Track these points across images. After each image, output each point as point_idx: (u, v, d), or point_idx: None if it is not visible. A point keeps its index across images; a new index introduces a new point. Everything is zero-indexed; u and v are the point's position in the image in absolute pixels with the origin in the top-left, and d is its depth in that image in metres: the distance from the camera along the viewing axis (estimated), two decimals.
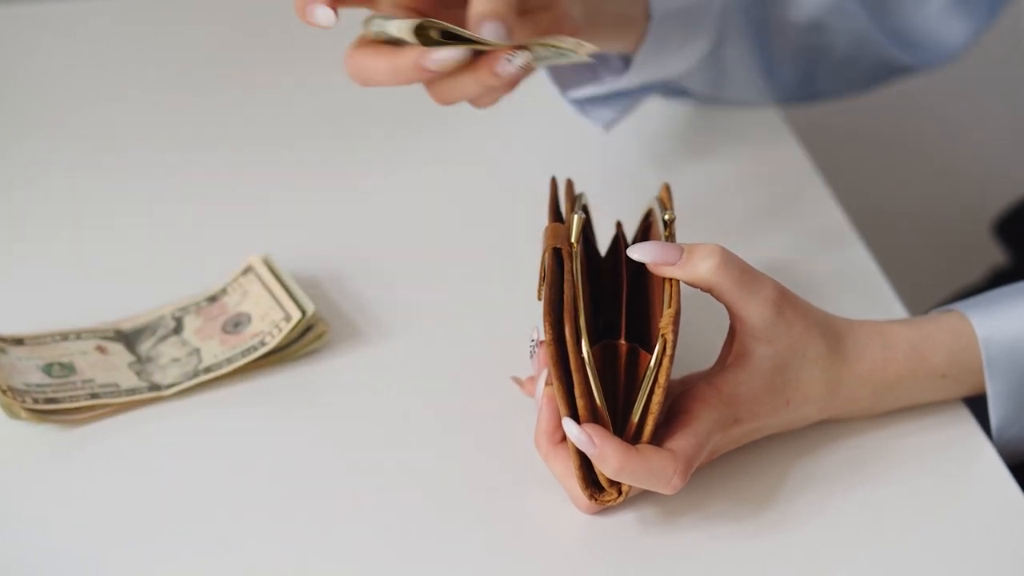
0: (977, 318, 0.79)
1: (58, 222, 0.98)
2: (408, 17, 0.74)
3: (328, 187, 1.02)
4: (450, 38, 0.72)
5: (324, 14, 0.73)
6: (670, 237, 0.76)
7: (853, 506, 0.76)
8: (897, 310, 0.89)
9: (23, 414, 0.78)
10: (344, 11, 0.75)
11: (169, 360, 0.84)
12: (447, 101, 0.76)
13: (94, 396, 0.80)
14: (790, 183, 1.02)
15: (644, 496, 0.75)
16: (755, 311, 0.74)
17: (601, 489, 0.71)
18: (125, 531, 0.74)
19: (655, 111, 1.08)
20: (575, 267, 0.72)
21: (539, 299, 0.75)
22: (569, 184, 0.81)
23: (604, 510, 0.74)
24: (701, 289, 0.74)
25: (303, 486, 0.77)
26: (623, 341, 0.73)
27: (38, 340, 0.84)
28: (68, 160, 1.05)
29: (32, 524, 0.75)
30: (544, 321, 0.70)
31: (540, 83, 0.92)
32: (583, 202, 0.78)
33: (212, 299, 0.88)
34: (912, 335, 0.78)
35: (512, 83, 0.76)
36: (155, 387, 0.82)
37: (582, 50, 0.72)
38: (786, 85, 1.04)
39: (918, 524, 0.75)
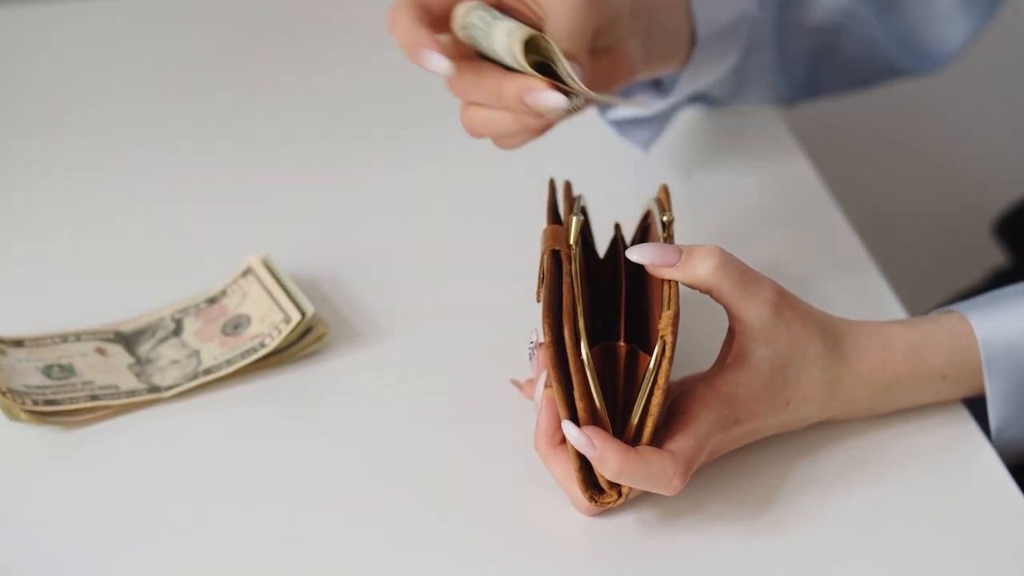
0: (976, 319, 0.79)
1: (58, 222, 0.98)
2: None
3: (328, 187, 1.02)
4: (542, 67, 0.72)
5: (440, 63, 0.72)
6: (669, 238, 0.76)
7: (853, 507, 0.76)
8: (897, 311, 0.89)
9: (23, 416, 0.78)
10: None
11: (169, 362, 0.84)
12: (476, 130, 0.76)
13: (94, 398, 0.80)
14: (790, 184, 1.02)
15: (644, 498, 0.75)
16: (754, 312, 0.74)
17: (601, 491, 0.71)
18: (125, 532, 0.74)
19: None
20: (574, 269, 0.72)
21: (538, 301, 0.75)
22: (567, 186, 0.81)
23: (604, 512, 0.74)
24: (700, 290, 0.74)
25: (303, 487, 0.77)
26: (622, 343, 0.73)
27: (38, 342, 0.84)
28: (68, 160, 1.05)
29: (32, 525, 0.75)
30: (543, 323, 0.70)
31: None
32: (581, 204, 0.78)
33: (212, 301, 0.88)
34: (911, 335, 0.78)
35: (544, 128, 0.76)
36: (155, 389, 0.82)
37: (637, 107, 0.73)
38: (794, 86, 1.04)
39: (918, 525, 0.75)
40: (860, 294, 0.91)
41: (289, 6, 1.26)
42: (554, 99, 0.71)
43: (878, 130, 1.83)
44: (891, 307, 0.90)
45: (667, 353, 0.70)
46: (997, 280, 1.21)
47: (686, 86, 0.91)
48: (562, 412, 0.70)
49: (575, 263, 0.73)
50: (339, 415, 0.82)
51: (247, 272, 0.88)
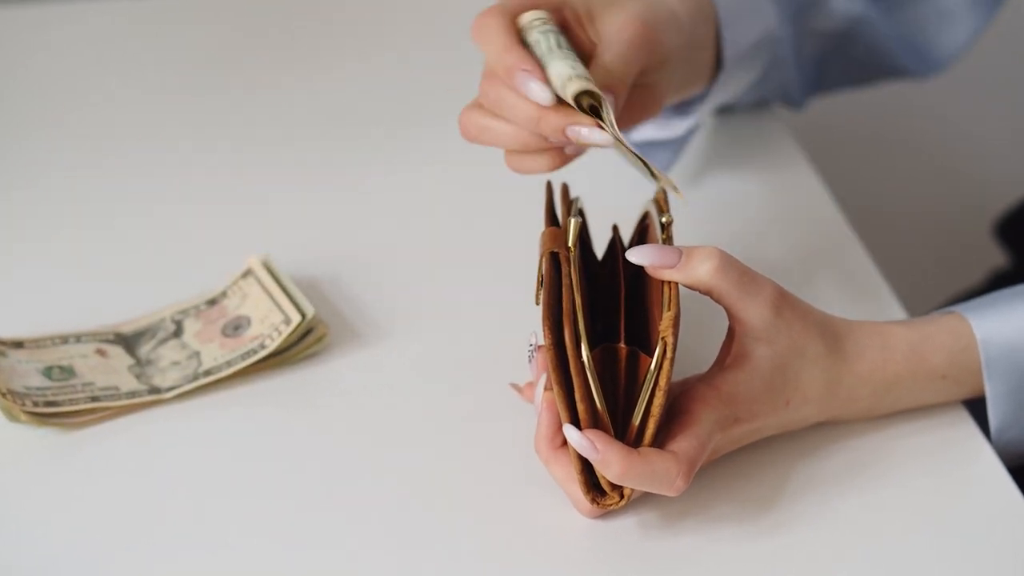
0: (976, 319, 0.79)
1: (58, 222, 0.98)
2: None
3: (328, 187, 1.02)
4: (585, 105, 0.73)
5: (540, 94, 0.73)
6: (668, 240, 0.76)
7: (853, 508, 0.76)
8: (897, 312, 0.89)
9: (23, 417, 0.78)
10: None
11: (169, 363, 0.84)
12: (471, 133, 0.77)
13: (94, 399, 0.80)
14: (789, 184, 1.02)
15: (645, 500, 0.75)
16: (754, 312, 0.74)
17: (603, 493, 0.71)
18: (125, 533, 0.74)
19: None
20: (573, 271, 0.72)
21: (537, 304, 0.75)
22: (564, 188, 0.81)
23: (605, 514, 0.74)
24: (700, 292, 0.74)
25: (303, 488, 0.77)
26: (623, 344, 0.73)
27: (38, 343, 0.84)
28: (68, 160, 1.05)
29: (32, 526, 0.75)
30: (543, 326, 0.70)
31: None
32: (579, 206, 0.78)
33: (212, 302, 0.88)
34: (911, 336, 0.78)
35: (565, 159, 0.77)
36: (155, 390, 0.82)
37: (670, 189, 0.75)
38: (802, 89, 1.04)
39: (918, 526, 0.75)
40: (860, 295, 0.91)
41: (289, 6, 1.26)
42: (599, 137, 0.73)
43: (878, 130, 1.83)
44: (891, 308, 0.90)
45: (668, 354, 0.70)
46: (997, 281, 1.21)
47: (708, 107, 0.93)
48: (563, 415, 0.69)
49: (574, 265, 0.73)
50: (339, 416, 0.82)
51: (247, 273, 0.88)
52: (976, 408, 0.81)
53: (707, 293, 0.74)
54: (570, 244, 0.74)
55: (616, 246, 0.80)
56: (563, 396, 0.69)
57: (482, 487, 0.76)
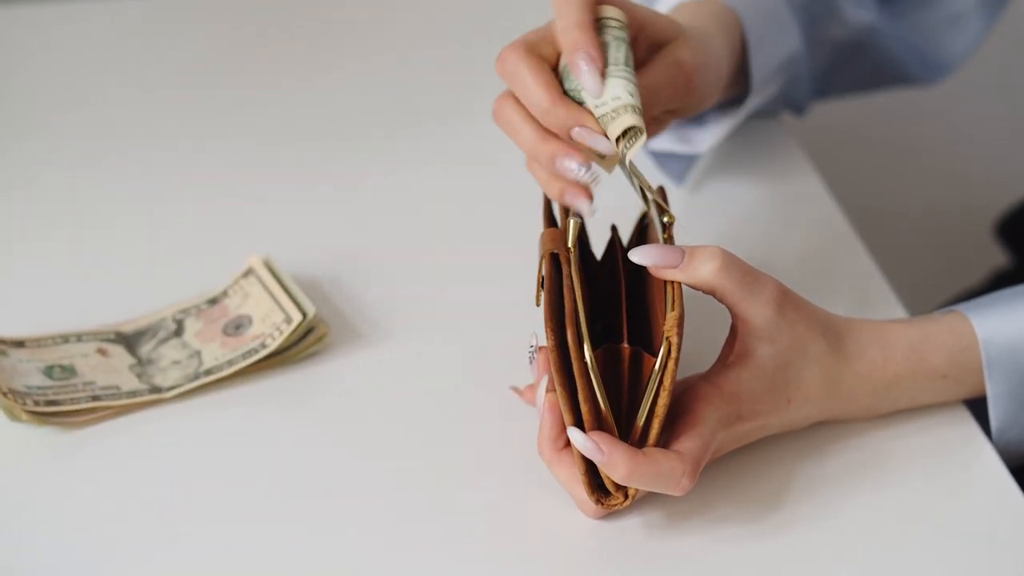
0: (977, 319, 0.79)
1: (58, 222, 0.98)
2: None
3: (328, 187, 1.02)
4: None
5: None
6: (669, 240, 0.76)
7: (855, 508, 0.76)
8: (897, 312, 0.89)
9: (24, 416, 0.78)
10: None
11: (170, 362, 0.84)
12: (500, 119, 0.76)
13: (95, 398, 0.80)
14: (790, 184, 1.02)
15: (648, 500, 0.75)
16: (757, 311, 0.74)
17: (607, 493, 0.71)
18: (126, 533, 0.74)
19: None
20: (573, 272, 0.72)
21: (537, 305, 0.75)
22: None
23: (609, 514, 0.74)
24: (703, 291, 0.74)
25: (304, 488, 0.77)
26: (625, 345, 0.72)
27: (39, 342, 0.84)
28: (68, 160, 1.05)
29: (33, 526, 0.75)
30: (545, 327, 0.70)
31: None
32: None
33: (213, 301, 0.88)
34: (912, 335, 0.78)
35: (564, 188, 0.75)
36: (156, 389, 0.82)
37: (655, 213, 0.75)
38: (809, 96, 1.04)
39: (920, 526, 0.75)
40: (861, 295, 0.91)
41: (289, 6, 1.26)
42: (604, 146, 0.72)
43: (879, 131, 1.83)
44: (892, 308, 0.90)
45: (673, 354, 0.69)
46: (998, 281, 1.21)
47: (729, 123, 0.94)
48: (566, 416, 0.69)
49: (574, 266, 0.72)
50: (340, 415, 0.82)
51: (248, 272, 0.88)
52: (977, 408, 0.81)
53: (710, 293, 0.74)
54: (570, 245, 0.74)
55: (615, 246, 0.80)
56: (566, 397, 0.69)
57: (485, 487, 0.76)
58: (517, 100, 0.74)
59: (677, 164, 0.98)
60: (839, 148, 1.77)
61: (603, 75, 0.72)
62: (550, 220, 0.78)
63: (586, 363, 0.69)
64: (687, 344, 0.74)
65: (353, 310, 0.89)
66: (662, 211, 0.78)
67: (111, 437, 0.80)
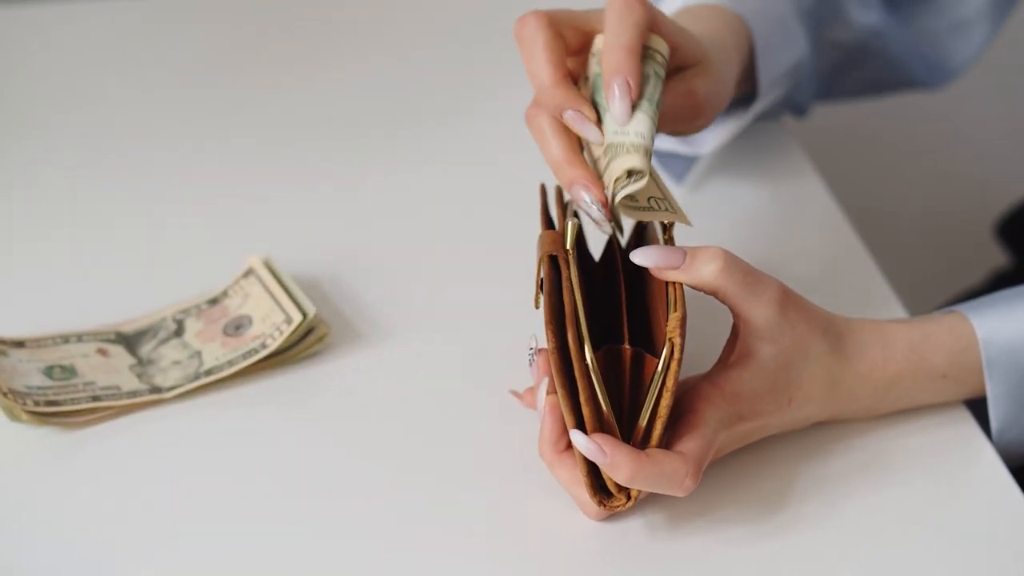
0: (977, 319, 0.79)
1: (58, 222, 0.98)
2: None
3: (328, 187, 1.02)
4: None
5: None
6: (669, 241, 0.76)
7: (857, 509, 0.76)
8: (897, 312, 0.89)
9: (24, 417, 0.78)
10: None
11: (170, 362, 0.84)
12: (530, 123, 0.76)
13: (95, 399, 0.80)
14: (791, 184, 1.02)
15: (650, 501, 0.75)
16: (759, 312, 0.74)
17: (610, 495, 0.71)
18: (126, 533, 0.74)
19: None
20: (572, 273, 0.72)
21: (536, 308, 0.75)
22: (559, 190, 0.81)
23: (611, 515, 0.74)
24: (704, 292, 0.74)
25: (304, 488, 0.77)
26: (627, 346, 0.72)
27: (39, 343, 0.84)
28: (68, 160, 1.05)
29: (33, 526, 0.75)
30: (546, 329, 0.70)
31: None
32: (574, 208, 0.78)
33: (213, 301, 0.88)
34: (912, 334, 0.78)
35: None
36: (156, 389, 0.82)
37: (679, 217, 0.74)
38: (811, 98, 1.05)
39: (921, 526, 0.75)
40: (861, 295, 0.91)
41: (289, 6, 1.26)
42: (592, 135, 0.72)
43: (879, 131, 1.83)
44: (892, 308, 0.90)
45: (676, 355, 0.69)
46: (998, 281, 1.21)
47: (733, 127, 0.94)
48: (568, 418, 0.69)
49: (573, 267, 0.72)
50: (341, 415, 0.82)
51: (248, 273, 0.88)
52: (978, 408, 0.81)
53: (712, 293, 0.74)
54: (568, 246, 0.73)
55: (613, 247, 0.80)
56: (567, 399, 0.69)
57: (485, 488, 0.76)
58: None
59: (678, 164, 0.98)
60: (839, 148, 1.77)
61: (634, 106, 0.71)
62: (548, 222, 0.78)
63: (587, 364, 0.69)
64: (688, 344, 0.74)
65: (353, 310, 0.89)
66: None
67: (111, 437, 0.80)
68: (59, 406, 0.79)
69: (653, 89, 0.72)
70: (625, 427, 0.71)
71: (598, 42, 0.74)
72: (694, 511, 0.75)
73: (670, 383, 0.69)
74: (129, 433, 0.80)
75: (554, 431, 0.72)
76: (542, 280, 0.74)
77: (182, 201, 1.01)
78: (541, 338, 0.74)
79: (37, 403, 0.79)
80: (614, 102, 0.71)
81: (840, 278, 0.93)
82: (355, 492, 0.76)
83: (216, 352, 0.84)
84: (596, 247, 0.83)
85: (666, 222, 0.76)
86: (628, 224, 0.81)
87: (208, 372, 0.83)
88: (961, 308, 0.80)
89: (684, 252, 0.73)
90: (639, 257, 0.73)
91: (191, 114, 1.11)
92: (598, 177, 0.72)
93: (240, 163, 1.05)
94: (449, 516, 0.75)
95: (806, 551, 0.73)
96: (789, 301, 0.75)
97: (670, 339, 0.69)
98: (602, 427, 0.69)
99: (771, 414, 0.75)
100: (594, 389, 0.69)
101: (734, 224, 0.98)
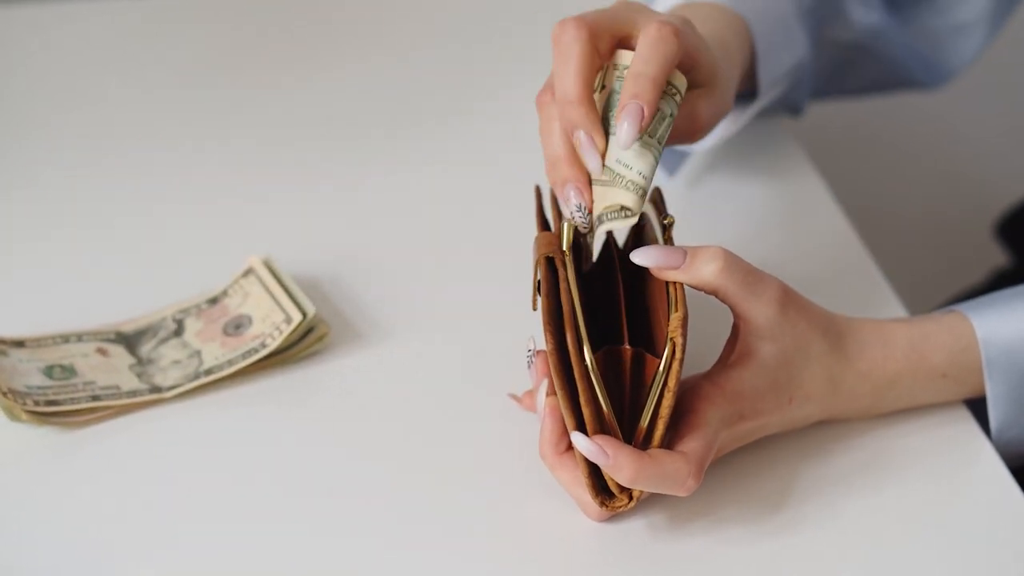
0: (977, 319, 0.79)
1: (58, 222, 0.98)
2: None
3: (328, 187, 1.02)
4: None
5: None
6: (668, 241, 0.76)
7: (857, 508, 0.76)
8: (897, 311, 0.89)
9: (24, 416, 0.78)
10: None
11: (170, 362, 0.84)
12: (541, 114, 0.76)
13: (95, 398, 0.80)
14: (791, 184, 1.02)
15: (651, 501, 0.75)
16: (760, 311, 0.74)
17: (612, 496, 0.71)
18: (126, 532, 0.74)
19: None
20: (570, 274, 0.72)
21: (535, 310, 0.75)
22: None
23: (613, 516, 0.74)
24: (705, 292, 0.74)
25: (304, 488, 0.77)
26: (627, 346, 0.72)
27: (39, 342, 0.84)
28: (68, 160, 1.05)
29: (33, 526, 0.74)
30: (545, 331, 0.70)
31: (539, 84, 0.92)
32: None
33: (213, 301, 0.88)
34: (912, 334, 0.79)
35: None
36: (156, 389, 0.82)
37: (662, 215, 0.76)
38: (808, 96, 1.05)
39: (921, 526, 0.75)
40: (861, 295, 0.91)
41: (289, 6, 1.26)
42: (592, 163, 0.72)
43: (879, 131, 1.83)
44: (892, 308, 0.90)
45: (678, 355, 0.69)
46: (998, 280, 1.21)
47: (731, 126, 0.94)
48: (568, 420, 0.69)
49: (570, 268, 0.72)
50: (341, 415, 0.82)
51: (248, 272, 0.88)
52: (977, 408, 0.81)
53: (712, 293, 0.74)
54: (565, 248, 0.73)
55: (611, 247, 0.80)
56: (567, 401, 0.69)
57: (485, 488, 0.76)
58: None
59: (670, 157, 0.98)
60: (839, 148, 1.77)
61: (641, 132, 0.71)
62: (543, 223, 0.78)
63: (587, 366, 0.68)
64: (688, 344, 0.74)
65: (353, 310, 0.89)
66: (661, 213, 0.78)
67: (111, 437, 0.80)
68: (59, 406, 0.79)
69: (664, 129, 0.72)
70: (626, 427, 0.71)
71: (624, 57, 0.74)
72: (695, 511, 0.75)
73: (672, 383, 0.69)
74: (129, 433, 0.80)
75: (554, 433, 0.72)
76: (539, 282, 0.74)
77: (182, 201, 1.01)
78: (539, 340, 0.74)
79: (37, 403, 0.79)
80: (623, 126, 0.70)
81: (840, 278, 0.93)
82: (355, 492, 0.76)
83: (216, 352, 0.84)
84: (594, 247, 0.83)
85: (665, 222, 0.76)
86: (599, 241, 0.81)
87: (208, 372, 0.83)
88: (961, 308, 0.80)
89: (684, 252, 0.73)
90: (639, 257, 0.73)
91: (191, 114, 1.11)
92: (590, 183, 0.72)
93: (240, 163, 1.05)
94: (449, 516, 0.75)
95: (807, 551, 0.73)
96: (790, 300, 0.75)
97: (672, 339, 0.69)
98: (603, 428, 0.69)
99: (771, 413, 0.75)
100: (594, 390, 0.68)
101: (734, 224, 0.98)
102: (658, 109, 0.72)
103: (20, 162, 1.05)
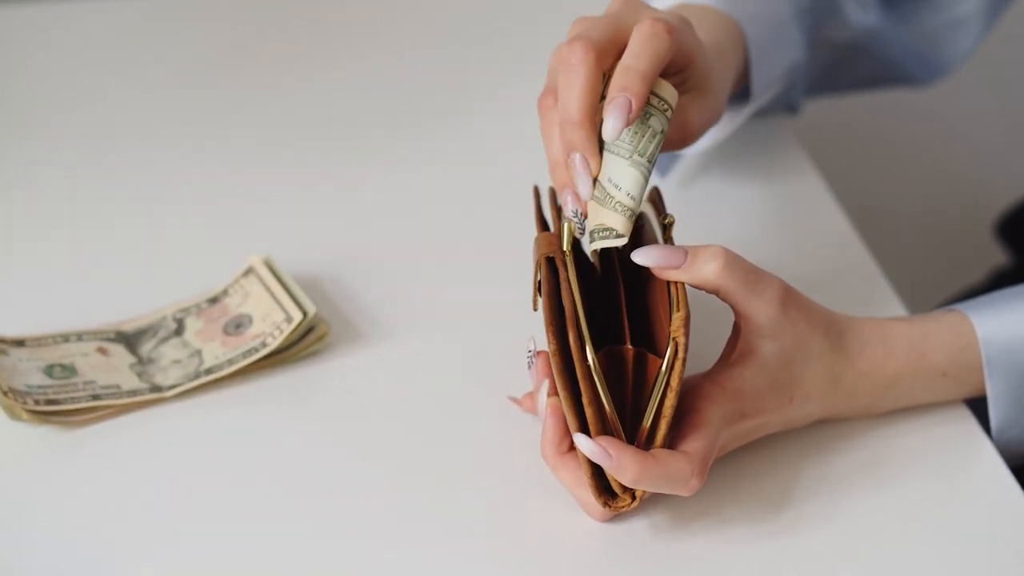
0: (978, 318, 0.79)
1: (58, 222, 0.98)
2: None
3: (328, 187, 1.02)
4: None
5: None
6: (668, 240, 0.76)
7: (859, 508, 0.76)
8: (897, 311, 0.89)
9: (24, 415, 0.78)
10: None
11: (170, 361, 0.84)
12: (542, 114, 0.76)
13: (95, 397, 0.80)
14: (791, 184, 1.02)
15: (654, 501, 0.74)
16: (761, 310, 0.74)
17: (614, 496, 0.71)
18: (126, 532, 0.74)
19: None
20: (570, 274, 0.72)
21: (535, 310, 0.75)
22: (553, 191, 0.81)
23: (615, 516, 0.74)
24: (706, 291, 0.74)
25: (304, 487, 0.77)
26: (629, 346, 0.72)
27: (39, 341, 0.84)
28: (68, 160, 1.05)
29: (33, 525, 0.74)
30: (546, 331, 0.70)
31: (539, 84, 0.92)
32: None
33: (213, 300, 0.88)
34: (912, 333, 0.79)
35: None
36: (156, 388, 0.82)
37: (662, 215, 0.76)
38: (803, 94, 1.05)
39: (921, 525, 0.75)
40: (862, 294, 0.91)
41: (289, 6, 1.26)
42: (583, 188, 0.72)
43: (879, 130, 1.83)
44: (892, 307, 0.90)
45: (680, 355, 0.69)
46: (999, 280, 1.21)
47: (724, 128, 0.94)
48: (570, 420, 0.69)
49: (571, 268, 0.72)
50: (341, 414, 0.82)
51: (248, 272, 0.88)
52: (978, 407, 0.81)
53: (713, 292, 0.74)
54: (565, 248, 0.73)
55: (610, 248, 0.80)
56: (570, 401, 0.69)
57: (485, 487, 0.76)
58: None
59: (663, 157, 0.98)
60: (839, 148, 1.77)
61: (628, 125, 0.70)
62: (543, 224, 0.78)
63: (589, 366, 0.68)
64: (689, 343, 0.74)
65: (353, 310, 0.89)
66: (661, 212, 0.78)
67: (111, 436, 0.80)
68: (59, 405, 0.79)
69: (655, 148, 0.72)
70: (629, 428, 0.70)
71: (666, 89, 0.73)
72: (698, 511, 0.74)
73: (674, 383, 0.69)
74: (129, 432, 0.80)
75: (556, 433, 0.72)
76: (540, 282, 0.74)
77: (182, 201, 1.01)
78: (539, 341, 0.74)
79: (37, 402, 0.79)
80: (609, 119, 0.70)
81: (840, 277, 0.93)
82: (355, 492, 0.76)
83: (216, 351, 0.84)
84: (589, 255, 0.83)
85: (665, 222, 0.76)
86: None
87: (208, 371, 0.82)
88: (961, 307, 0.80)
89: (685, 251, 0.73)
90: (640, 257, 0.73)
91: (191, 114, 1.11)
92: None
93: (240, 163, 1.05)
94: (449, 516, 0.75)
95: (808, 551, 0.73)
96: (790, 299, 0.75)
97: (674, 338, 0.69)
98: (606, 428, 0.69)
99: (772, 411, 0.75)
100: (596, 390, 0.68)
101: (734, 223, 0.98)
102: (648, 126, 0.71)
103: (20, 162, 1.05)
